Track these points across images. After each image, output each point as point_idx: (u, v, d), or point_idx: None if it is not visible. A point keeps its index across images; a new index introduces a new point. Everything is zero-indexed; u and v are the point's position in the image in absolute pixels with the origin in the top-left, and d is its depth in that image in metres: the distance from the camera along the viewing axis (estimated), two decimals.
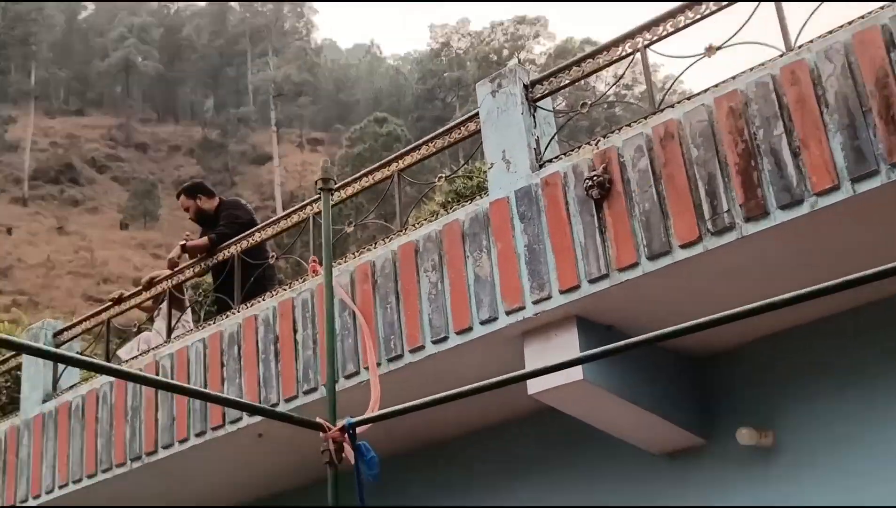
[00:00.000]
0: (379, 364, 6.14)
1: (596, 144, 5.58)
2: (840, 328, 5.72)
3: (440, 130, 6.63)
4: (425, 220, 6.51)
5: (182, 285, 8.26)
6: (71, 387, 8.44)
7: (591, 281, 5.39)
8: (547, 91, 6.09)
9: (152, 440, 7.41)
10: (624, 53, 5.77)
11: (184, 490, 8.09)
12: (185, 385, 6.54)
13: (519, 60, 6.31)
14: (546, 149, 5.96)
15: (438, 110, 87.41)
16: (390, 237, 6.52)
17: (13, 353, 9.14)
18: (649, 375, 5.92)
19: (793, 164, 4.81)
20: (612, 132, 5.58)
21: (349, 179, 7.07)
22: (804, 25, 5.04)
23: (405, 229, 6.46)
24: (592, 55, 5.92)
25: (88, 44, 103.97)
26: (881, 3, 4.79)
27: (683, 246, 5.08)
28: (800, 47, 4.98)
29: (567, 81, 6.04)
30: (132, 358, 8.23)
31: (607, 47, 5.85)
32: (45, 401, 8.49)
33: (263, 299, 7.12)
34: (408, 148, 6.78)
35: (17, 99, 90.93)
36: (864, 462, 5.51)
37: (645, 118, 5.46)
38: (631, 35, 5.74)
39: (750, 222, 4.89)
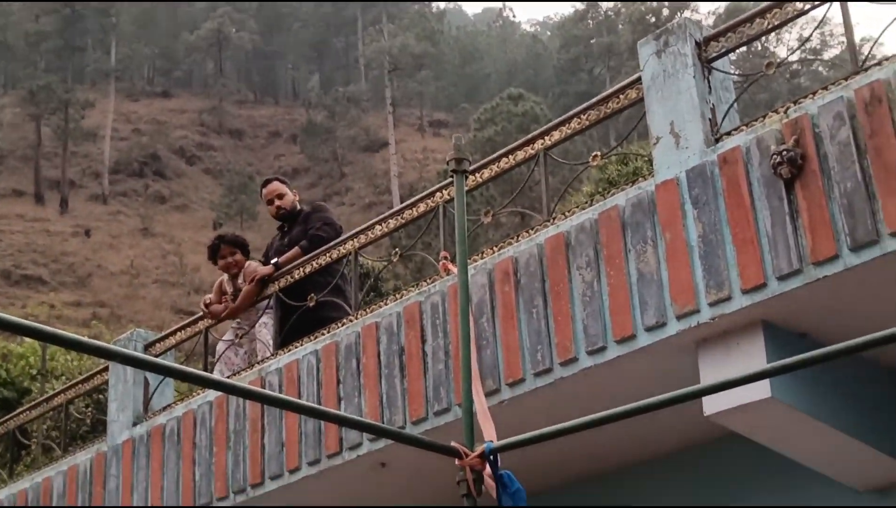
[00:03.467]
0: (523, 380, 6.17)
1: (785, 112, 5.51)
2: None
3: (595, 100, 6.62)
4: (577, 207, 6.51)
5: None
6: (164, 408, 8.71)
7: (781, 278, 5.33)
8: (724, 49, 6.04)
9: (258, 469, 7.58)
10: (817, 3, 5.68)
11: None
12: (301, 402, 6.67)
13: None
14: (724, 119, 5.92)
15: (585, 85, 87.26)
16: (535, 229, 6.54)
17: (99, 368, 9.47)
18: (854, 393, 5.83)
19: None
20: (805, 97, 5.50)
21: (485, 160, 7.12)
22: None
23: (553, 219, 6.47)
24: (780, 3, 5.84)
25: (175, 15, 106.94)
26: None
27: (894, 234, 4.98)
28: None
29: (747, 38, 5.98)
30: (232, 374, 8.44)
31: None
32: (135, 424, 8.77)
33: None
34: (555, 122, 6.80)
35: (96, 80, 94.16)
36: None
37: (845, 79, 5.36)
38: None
39: None
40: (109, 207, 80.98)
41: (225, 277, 9.17)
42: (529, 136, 6.91)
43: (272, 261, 8.72)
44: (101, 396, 12.74)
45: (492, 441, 4.86)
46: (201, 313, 8.89)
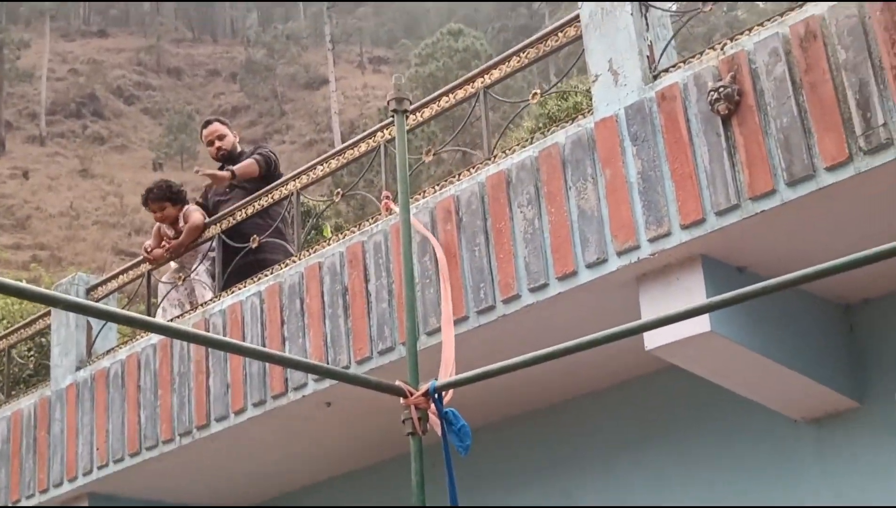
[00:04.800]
0: (466, 318, 6.20)
1: (721, 49, 5.53)
2: None
3: (534, 38, 6.61)
4: (517, 145, 6.52)
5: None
6: (107, 352, 8.68)
7: (719, 213, 5.37)
8: None
9: (204, 411, 7.60)
10: None
11: (241, 468, 8.30)
12: (245, 344, 6.66)
13: None
14: (661, 56, 5.93)
15: (524, 19, 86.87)
16: (476, 167, 6.55)
17: (41, 313, 9.40)
18: (791, 326, 5.91)
19: None
20: (741, 34, 5.52)
21: (425, 99, 7.10)
22: None
23: (493, 158, 6.48)
24: None
25: None
26: None
27: (830, 168, 5.04)
28: None
29: None
30: (176, 316, 8.41)
31: None
32: (78, 369, 8.74)
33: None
34: (494, 60, 6.78)
35: (31, 20, 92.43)
36: None
37: (781, 15, 5.39)
38: None
39: None
40: (47, 148, 79.86)
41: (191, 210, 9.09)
42: (469, 74, 6.90)
43: (229, 169, 8.78)
44: (43, 340, 12.60)
45: (436, 380, 4.88)
46: (142, 257, 8.84)
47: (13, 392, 10.03)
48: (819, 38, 5.14)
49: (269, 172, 8.84)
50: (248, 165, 8.73)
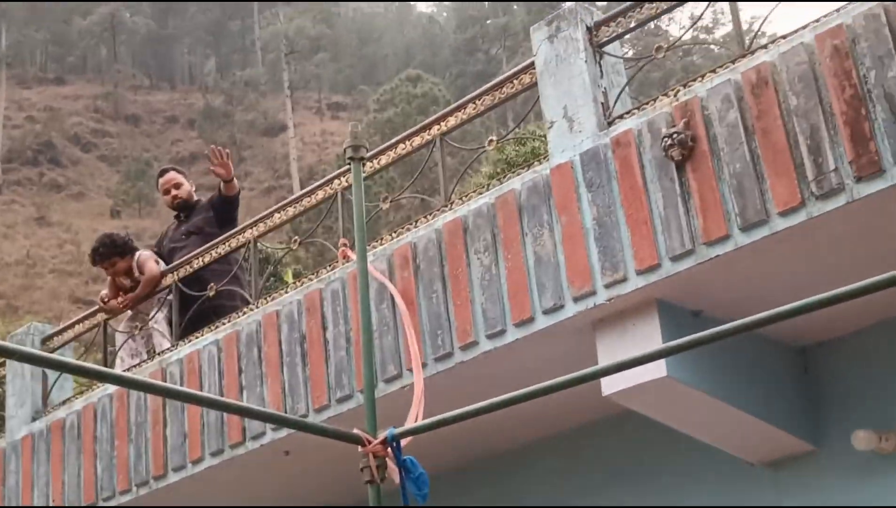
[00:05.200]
0: (424, 365, 6.19)
1: (675, 95, 5.59)
2: None
3: (489, 85, 6.67)
4: (474, 192, 6.54)
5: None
6: (63, 402, 8.61)
7: (674, 259, 5.41)
8: (614, 34, 6.10)
9: (161, 461, 7.55)
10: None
11: None
12: (202, 394, 6.62)
13: None
14: (616, 103, 5.99)
15: (482, 65, 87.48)
16: (433, 214, 6.56)
17: None
18: (747, 370, 5.95)
19: None
20: (694, 80, 5.58)
21: (382, 146, 7.12)
22: None
23: (450, 204, 6.50)
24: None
25: None
26: None
27: (783, 213, 5.09)
28: None
29: (637, 23, 6.05)
30: (134, 366, 8.36)
31: None
32: (34, 419, 8.67)
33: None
34: (450, 108, 6.83)
35: None
36: None
37: (732, 62, 5.46)
38: None
39: (862, 183, 4.89)
40: (4, 196, 79.39)
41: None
42: (426, 121, 6.93)
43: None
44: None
45: (394, 428, 4.87)
46: (98, 307, 8.79)
47: None
48: (770, 85, 5.21)
49: (228, 216, 8.90)
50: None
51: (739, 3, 5.88)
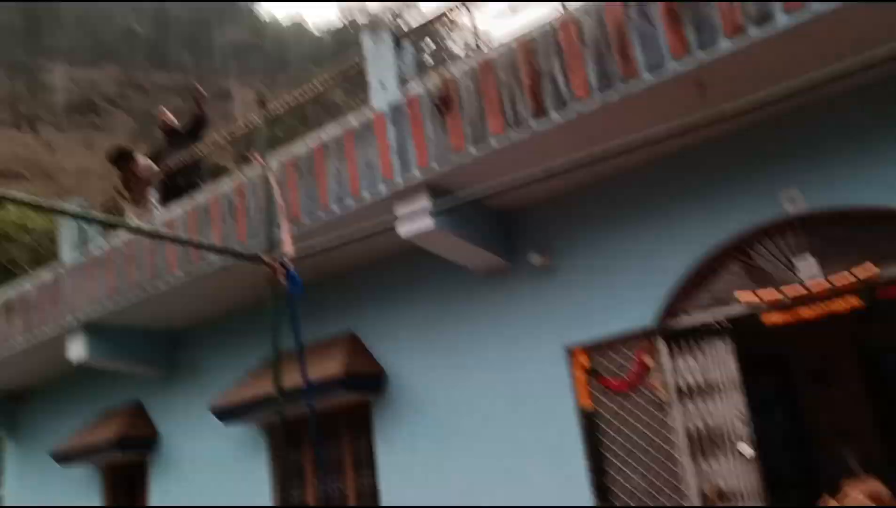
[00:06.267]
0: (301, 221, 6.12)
1: (440, 74, 5.58)
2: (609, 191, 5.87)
3: (345, 67, 6.52)
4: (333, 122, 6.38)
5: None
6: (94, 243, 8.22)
7: (438, 161, 5.42)
8: (408, 35, 6.06)
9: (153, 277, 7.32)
10: (453, 17, 5.78)
11: (174, 312, 8.05)
12: (176, 236, 6.48)
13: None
14: (408, 76, 5.93)
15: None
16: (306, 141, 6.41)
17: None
18: (477, 222, 5.91)
19: (563, 81, 4.93)
20: (454, 65, 5.59)
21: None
22: None
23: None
24: (439, 18, 5.90)
25: None
26: None
27: (495, 136, 5.15)
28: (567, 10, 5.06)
29: (419, 27, 6.01)
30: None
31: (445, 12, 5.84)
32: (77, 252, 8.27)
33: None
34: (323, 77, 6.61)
35: None
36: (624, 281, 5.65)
37: (472, 56, 5.48)
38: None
39: (536, 120, 4.98)
40: None
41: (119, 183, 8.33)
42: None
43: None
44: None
45: (285, 253, 4.82)
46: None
47: None
48: (491, 69, 5.24)
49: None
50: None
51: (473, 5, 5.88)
